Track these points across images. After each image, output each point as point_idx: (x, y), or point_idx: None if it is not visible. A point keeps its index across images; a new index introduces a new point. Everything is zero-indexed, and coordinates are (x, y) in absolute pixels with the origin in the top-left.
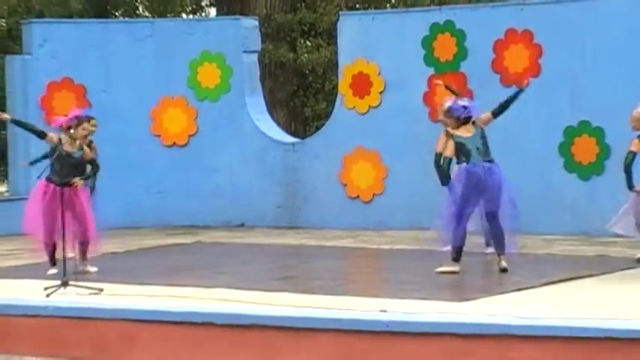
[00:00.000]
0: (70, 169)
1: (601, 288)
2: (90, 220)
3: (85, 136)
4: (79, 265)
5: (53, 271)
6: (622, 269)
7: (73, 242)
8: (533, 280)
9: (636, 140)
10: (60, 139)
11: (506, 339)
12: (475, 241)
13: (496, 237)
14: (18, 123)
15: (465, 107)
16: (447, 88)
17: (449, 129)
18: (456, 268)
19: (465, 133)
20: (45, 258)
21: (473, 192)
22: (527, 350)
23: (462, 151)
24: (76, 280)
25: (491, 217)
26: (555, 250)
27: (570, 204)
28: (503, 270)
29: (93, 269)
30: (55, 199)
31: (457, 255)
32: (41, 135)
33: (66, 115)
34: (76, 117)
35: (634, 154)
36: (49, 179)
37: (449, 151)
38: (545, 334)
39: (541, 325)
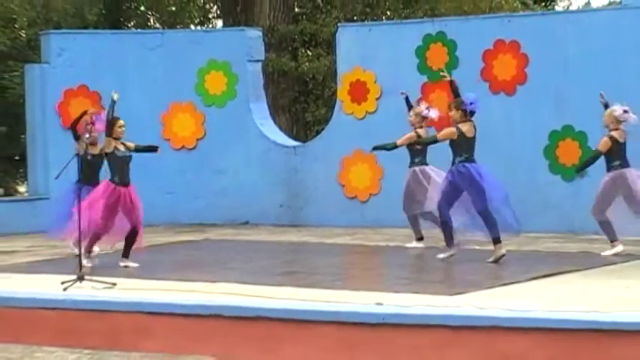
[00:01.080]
0: (127, 169)
1: (584, 282)
2: (141, 217)
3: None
4: (121, 261)
5: (94, 262)
6: (604, 265)
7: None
8: (520, 275)
9: (605, 139)
10: (114, 145)
11: (495, 330)
12: (470, 238)
13: (490, 226)
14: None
15: (471, 103)
16: (451, 87)
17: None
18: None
19: (469, 132)
20: (64, 252)
21: (458, 190)
22: (514, 341)
23: (462, 146)
24: (91, 276)
25: (484, 213)
26: (541, 247)
27: (555, 204)
28: (501, 257)
29: (133, 264)
30: (119, 199)
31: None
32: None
33: (92, 123)
34: (108, 121)
35: (600, 153)
36: (112, 181)
37: (441, 137)
38: (532, 326)
39: (527, 317)
